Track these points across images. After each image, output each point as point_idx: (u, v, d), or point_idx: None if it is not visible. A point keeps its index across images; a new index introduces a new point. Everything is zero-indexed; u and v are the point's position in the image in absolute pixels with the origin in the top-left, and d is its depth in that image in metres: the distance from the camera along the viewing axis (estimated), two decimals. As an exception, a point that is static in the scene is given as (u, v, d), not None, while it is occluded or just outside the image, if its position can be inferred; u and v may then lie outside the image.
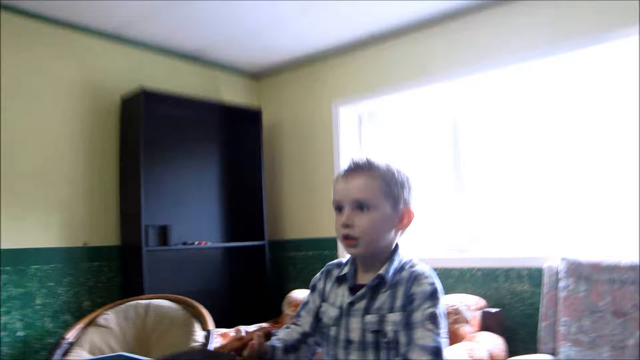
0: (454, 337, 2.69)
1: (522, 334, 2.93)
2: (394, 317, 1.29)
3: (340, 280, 1.45)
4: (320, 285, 1.51)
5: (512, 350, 2.79)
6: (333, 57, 4.00)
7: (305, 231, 4.06)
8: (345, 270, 1.45)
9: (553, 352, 2.52)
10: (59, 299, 3.25)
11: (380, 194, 1.35)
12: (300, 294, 3.53)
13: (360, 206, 1.34)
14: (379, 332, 1.29)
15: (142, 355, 2.99)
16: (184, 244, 3.62)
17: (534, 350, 2.66)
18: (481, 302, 2.95)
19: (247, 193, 4.04)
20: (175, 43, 3.80)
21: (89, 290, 3.37)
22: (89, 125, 3.49)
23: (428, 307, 1.26)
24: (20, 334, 3.08)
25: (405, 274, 1.34)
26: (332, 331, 1.39)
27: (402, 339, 1.26)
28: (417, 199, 1.42)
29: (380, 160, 1.40)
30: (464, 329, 2.77)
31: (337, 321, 1.38)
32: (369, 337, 1.30)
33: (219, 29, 3.57)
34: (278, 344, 1.48)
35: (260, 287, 3.94)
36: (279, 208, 4.27)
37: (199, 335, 2.88)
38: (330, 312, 1.42)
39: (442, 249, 3.48)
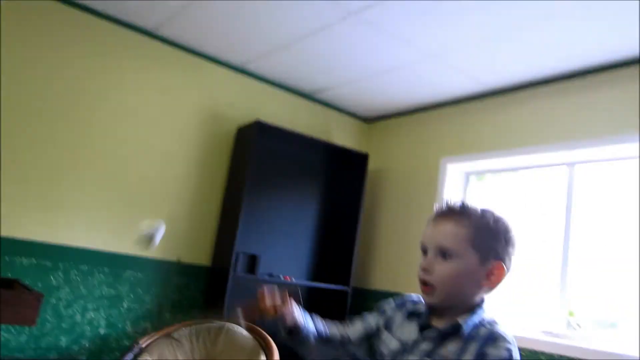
0: None
1: None
2: None
3: (411, 315, 1.37)
4: (389, 312, 1.45)
5: None
6: (448, 109, 3.89)
7: (392, 284, 3.89)
8: (421, 308, 1.35)
9: None
10: (143, 306, 3.40)
11: (468, 243, 1.23)
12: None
13: (443, 254, 1.25)
14: None
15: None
16: (270, 275, 3.64)
17: None
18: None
19: (340, 235, 3.99)
20: (293, 81, 3.94)
21: (172, 304, 3.49)
22: (204, 150, 3.70)
23: None
24: (102, 331, 3.25)
25: (483, 331, 1.21)
26: None
27: None
28: (514, 255, 1.28)
29: (477, 206, 1.29)
30: None
31: (396, 355, 1.30)
32: None
33: (337, 71, 3.65)
34: (310, 327, 1.44)
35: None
36: (370, 256, 4.15)
37: (262, 368, 2.83)
38: (390, 344, 1.34)
39: (534, 328, 3.12)
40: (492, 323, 1.24)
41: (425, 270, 1.26)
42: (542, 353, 2.89)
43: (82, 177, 3.26)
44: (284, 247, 3.83)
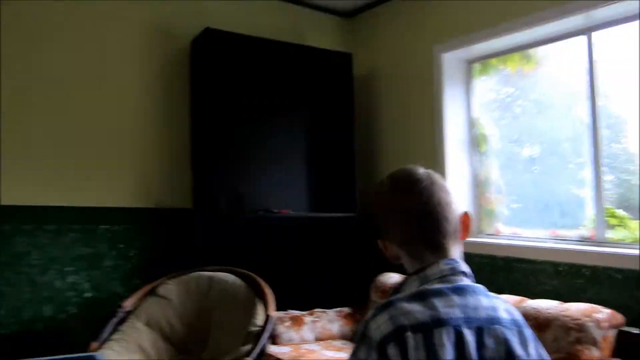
0: (574, 363, 2.01)
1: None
2: None
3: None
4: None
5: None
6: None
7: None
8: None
9: None
10: (129, 261, 3.07)
11: None
12: (390, 278, 3.01)
13: None
14: None
15: (200, 332, 2.74)
16: (265, 211, 3.24)
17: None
18: (617, 317, 2.19)
19: (336, 154, 3.51)
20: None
21: (160, 254, 3.15)
22: (159, 75, 3.23)
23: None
24: (87, 294, 2.96)
25: None
26: None
27: None
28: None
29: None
30: (590, 353, 2.06)
31: None
32: None
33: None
34: None
35: (346, 267, 3.45)
36: (374, 173, 3.69)
37: (259, 318, 2.52)
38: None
39: (570, 235, 2.72)
40: None
41: None
42: (583, 266, 2.50)
43: (29, 127, 2.83)
44: (275, 178, 3.38)
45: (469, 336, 0.93)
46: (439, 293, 0.98)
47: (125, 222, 3.07)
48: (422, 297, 0.97)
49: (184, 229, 3.21)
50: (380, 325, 0.93)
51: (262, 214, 3.19)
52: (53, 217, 2.88)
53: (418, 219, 1.06)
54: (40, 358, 1.29)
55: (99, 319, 2.91)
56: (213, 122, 3.05)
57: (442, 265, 1.03)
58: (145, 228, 3.12)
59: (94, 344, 2.47)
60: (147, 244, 3.12)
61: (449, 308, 0.95)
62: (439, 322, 0.93)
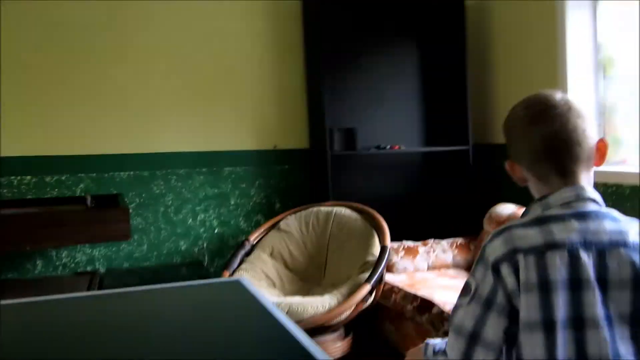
0: None
1: None
2: None
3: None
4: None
5: None
6: None
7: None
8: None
9: None
10: (251, 200, 3.29)
11: None
12: (505, 209, 2.95)
13: None
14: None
15: (319, 262, 2.90)
16: (377, 147, 3.29)
17: None
18: None
19: (448, 90, 3.45)
20: None
21: (279, 193, 3.34)
22: (272, 20, 3.30)
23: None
24: (216, 230, 3.23)
25: None
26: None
27: None
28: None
29: None
30: None
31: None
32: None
33: None
34: None
35: (460, 198, 3.43)
36: (488, 106, 3.57)
37: (376, 249, 2.61)
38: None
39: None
40: None
41: None
42: None
43: (162, 83, 3.09)
44: (387, 115, 3.41)
45: (586, 258, 0.95)
46: (557, 218, 1.00)
47: (247, 164, 3.27)
48: (540, 222, 1.00)
49: (301, 168, 3.37)
50: (495, 248, 1.00)
51: (374, 151, 3.25)
52: (184, 162, 3.15)
53: (550, 144, 1.05)
54: (191, 282, 1.39)
55: (227, 251, 3.20)
56: (325, 62, 3.11)
57: (567, 192, 1.04)
58: (265, 169, 3.31)
59: (226, 272, 2.71)
60: (267, 183, 3.31)
61: (565, 232, 0.97)
62: (552, 246, 0.96)
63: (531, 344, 0.94)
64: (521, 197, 1.03)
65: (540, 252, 0.96)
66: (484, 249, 1.03)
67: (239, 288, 1.24)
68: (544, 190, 1.08)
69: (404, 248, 2.96)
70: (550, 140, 1.05)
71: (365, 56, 3.36)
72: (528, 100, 1.10)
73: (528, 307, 0.94)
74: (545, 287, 0.94)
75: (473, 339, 0.99)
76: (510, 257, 0.97)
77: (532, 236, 0.98)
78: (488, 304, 0.98)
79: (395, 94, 3.44)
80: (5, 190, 2.83)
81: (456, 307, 1.04)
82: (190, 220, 3.18)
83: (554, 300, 0.93)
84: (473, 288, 1.01)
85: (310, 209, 3.00)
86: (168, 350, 0.88)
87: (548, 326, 0.93)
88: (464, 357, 1.00)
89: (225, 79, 3.22)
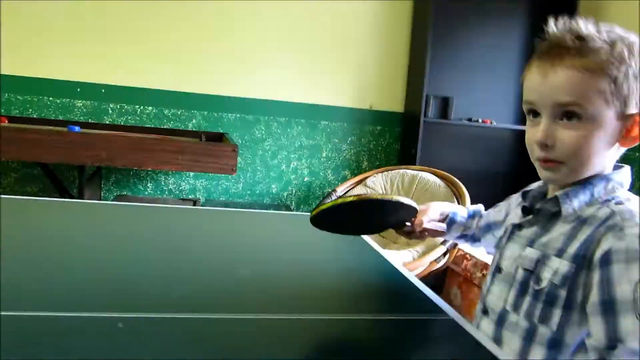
0: None
1: None
2: (559, 264, 0.87)
3: (523, 195, 1.04)
4: (513, 198, 1.14)
5: None
6: None
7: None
8: (533, 185, 1.04)
9: None
10: (340, 154, 3.49)
11: (601, 94, 0.84)
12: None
13: (568, 114, 0.86)
14: (531, 274, 0.91)
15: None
16: (469, 120, 3.37)
17: None
18: None
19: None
20: None
21: (369, 152, 3.52)
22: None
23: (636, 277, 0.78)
24: (306, 179, 3.46)
25: (602, 211, 0.86)
26: (495, 253, 1.07)
27: (597, 325, 0.81)
28: None
29: (604, 30, 0.86)
30: None
31: (499, 243, 1.05)
32: (520, 274, 0.93)
33: None
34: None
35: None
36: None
37: (455, 215, 2.74)
38: (499, 231, 1.12)
39: None
40: (618, 200, 0.87)
41: (544, 145, 0.88)
42: None
43: (273, 35, 3.31)
44: (484, 88, 3.47)
45: None
46: None
47: (342, 120, 3.46)
48: None
49: (392, 130, 3.52)
50: None
51: (466, 122, 3.33)
52: (285, 111, 3.38)
53: None
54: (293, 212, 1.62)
55: (313, 200, 3.44)
56: (429, 31, 3.20)
57: None
58: (358, 127, 3.48)
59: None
60: (358, 141, 3.49)
61: None
62: None
63: None
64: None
65: None
66: None
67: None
68: None
69: (482, 219, 3.07)
70: None
71: (472, 24, 3.42)
72: None
73: None
74: None
75: None
76: None
77: None
78: None
79: (494, 67, 3.48)
80: (129, 117, 3.19)
81: None
82: (284, 166, 3.43)
83: None
84: None
85: (397, 170, 3.15)
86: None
87: None
88: None
89: (332, 36, 3.38)
